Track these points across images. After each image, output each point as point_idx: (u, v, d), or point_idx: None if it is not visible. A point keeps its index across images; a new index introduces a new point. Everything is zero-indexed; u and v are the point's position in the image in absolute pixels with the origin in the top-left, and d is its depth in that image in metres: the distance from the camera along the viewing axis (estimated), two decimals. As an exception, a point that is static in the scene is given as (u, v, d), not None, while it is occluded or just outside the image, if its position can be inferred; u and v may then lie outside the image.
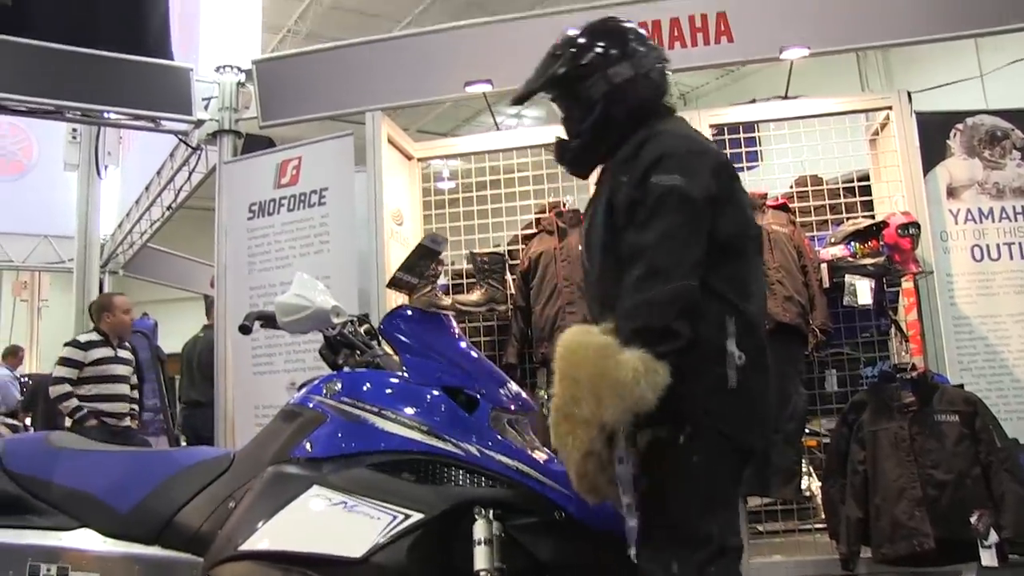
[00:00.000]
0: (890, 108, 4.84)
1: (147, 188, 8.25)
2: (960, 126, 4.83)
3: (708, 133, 4.32)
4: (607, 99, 2.27)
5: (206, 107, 5.77)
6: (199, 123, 5.78)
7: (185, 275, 10.89)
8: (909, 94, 4.88)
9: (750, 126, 5.04)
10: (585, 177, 2.53)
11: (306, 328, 2.47)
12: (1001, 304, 4.69)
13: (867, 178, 5.02)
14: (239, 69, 5.81)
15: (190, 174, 6.99)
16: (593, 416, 1.93)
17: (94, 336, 5.95)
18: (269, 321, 2.47)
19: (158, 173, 7.79)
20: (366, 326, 2.61)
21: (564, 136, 2.42)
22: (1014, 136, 4.81)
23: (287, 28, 12.99)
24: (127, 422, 5.92)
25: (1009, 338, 4.65)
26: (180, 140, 6.42)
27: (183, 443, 7.31)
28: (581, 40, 2.35)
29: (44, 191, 10.07)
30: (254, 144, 5.72)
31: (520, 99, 2.48)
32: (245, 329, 2.50)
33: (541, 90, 2.38)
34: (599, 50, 2.31)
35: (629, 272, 2.04)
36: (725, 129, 4.80)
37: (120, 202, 9.63)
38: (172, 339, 9.13)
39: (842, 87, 11.19)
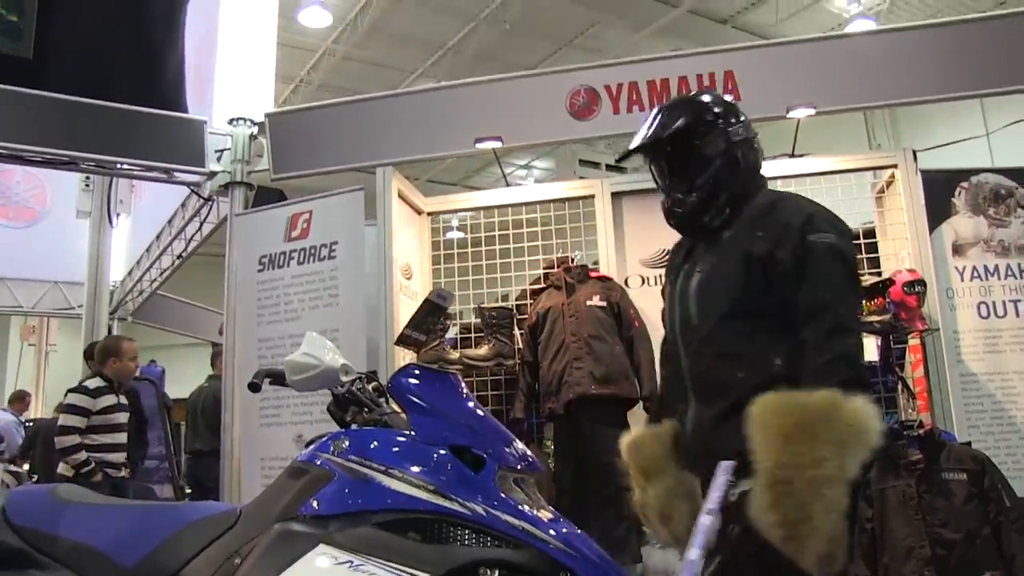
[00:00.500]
0: (895, 167, 4.90)
1: (158, 237, 8.31)
2: (965, 184, 4.87)
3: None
4: (725, 156, 2.34)
5: (218, 159, 5.83)
6: (211, 175, 5.84)
7: (193, 322, 10.94)
8: (915, 153, 4.93)
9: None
10: (692, 235, 2.48)
11: (315, 386, 2.48)
12: (1008, 361, 4.69)
13: (873, 233, 5.05)
14: (252, 122, 5.88)
15: (201, 224, 7.02)
16: (840, 471, 1.90)
17: (101, 382, 5.69)
18: (278, 379, 2.49)
19: (169, 222, 7.85)
20: (374, 383, 2.62)
21: (662, 195, 2.45)
22: (1018, 194, 4.85)
23: (299, 78, 13.16)
24: (123, 472, 5.77)
25: (1017, 395, 4.65)
26: (192, 191, 6.47)
27: (189, 492, 7.29)
28: (700, 100, 2.46)
29: (56, 238, 10.15)
30: (265, 196, 5.77)
31: (627, 155, 2.50)
32: (255, 387, 2.52)
33: (662, 141, 2.39)
34: (718, 109, 2.40)
35: (805, 328, 2.10)
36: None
37: (130, 249, 9.71)
38: (178, 386, 9.15)
39: (849, 142, 11.32)
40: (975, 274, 4.80)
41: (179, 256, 8.00)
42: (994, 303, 4.76)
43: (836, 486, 1.89)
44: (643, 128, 2.43)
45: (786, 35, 11.98)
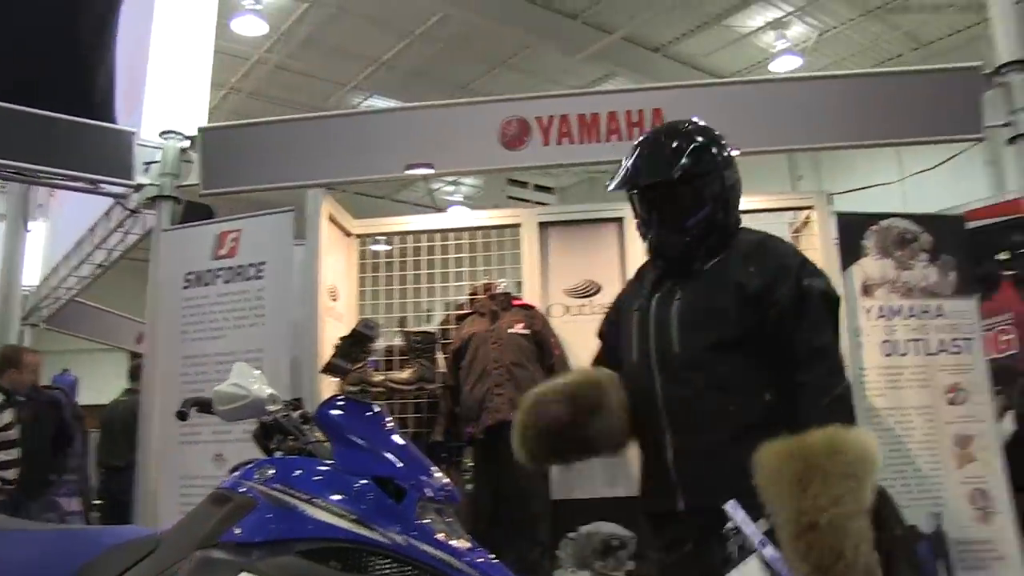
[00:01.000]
0: (811, 207, 5.11)
1: (79, 244, 8.10)
2: (875, 227, 5.07)
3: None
4: (717, 200, 2.38)
5: (146, 171, 5.70)
6: (139, 187, 5.70)
7: (111, 329, 10.62)
8: (830, 196, 5.16)
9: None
10: (678, 272, 2.45)
11: (242, 416, 2.49)
12: (907, 397, 4.90)
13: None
14: (183, 135, 5.75)
15: (125, 235, 6.88)
16: (857, 504, 1.97)
17: (1, 397, 5.44)
18: (205, 407, 2.50)
19: (91, 230, 7.66)
20: (300, 411, 2.66)
21: (641, 228, 2.49)
22: (922, 239, 5.07)
23: (230, 86, 12.98)
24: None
25: (913, 429, 4.86)
26: (118, 202, 6.33)
27: (98, 503, 7.13)
28: (700, 138, 2.44)
29: (-35, 240, 9.77)
30: (193, 212, 5.67)
31: (622, 188, 2.47)
32: (182, 415, 2.52)
33: (668, 182, 2.37)
34: (715, 150, 2.42)
35: (805, 369, 2.20)
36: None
37: (48, 255, 9.40)
38: (92, 392, 8.95)
39: (773, 176, 11.67)
40: (881, 313, 5.00)
41: (100, 265, 7.82)
42: (897, 342, 4.97)
43: (858, 519, 1.96)
44: (635, 160, 2.43)
45: (715, 66, 12.32)
